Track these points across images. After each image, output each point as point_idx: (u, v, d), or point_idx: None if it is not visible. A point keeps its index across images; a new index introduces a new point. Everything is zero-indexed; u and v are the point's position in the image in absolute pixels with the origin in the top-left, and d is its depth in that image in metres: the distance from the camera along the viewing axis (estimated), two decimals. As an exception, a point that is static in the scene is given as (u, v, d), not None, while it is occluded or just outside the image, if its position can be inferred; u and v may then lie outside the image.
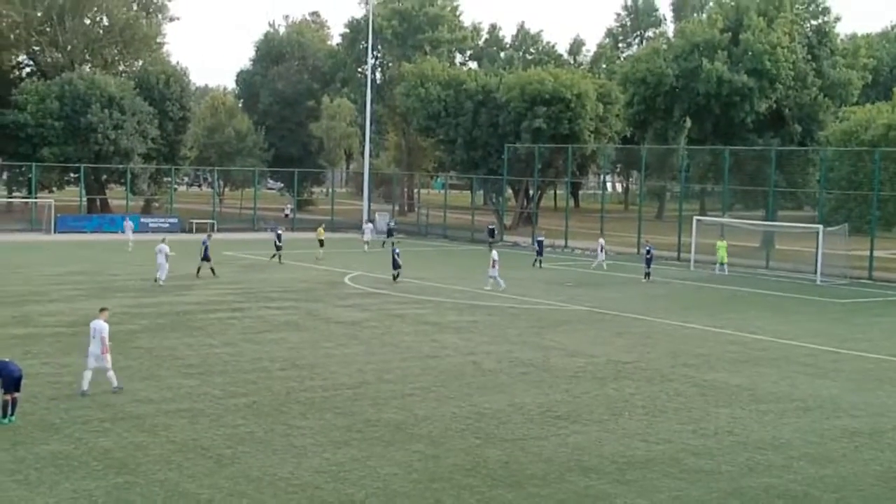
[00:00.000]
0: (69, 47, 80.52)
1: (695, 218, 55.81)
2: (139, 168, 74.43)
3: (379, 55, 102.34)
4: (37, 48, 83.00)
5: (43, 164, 70.11)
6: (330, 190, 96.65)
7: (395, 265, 42.29)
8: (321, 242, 53.00)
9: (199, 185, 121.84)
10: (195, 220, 70.41)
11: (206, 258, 41.88)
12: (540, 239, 52.88)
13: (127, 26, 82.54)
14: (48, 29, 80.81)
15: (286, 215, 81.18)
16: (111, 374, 20.26)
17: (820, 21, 69.82)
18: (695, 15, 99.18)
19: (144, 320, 29.91)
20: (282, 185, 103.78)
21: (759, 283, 46.36)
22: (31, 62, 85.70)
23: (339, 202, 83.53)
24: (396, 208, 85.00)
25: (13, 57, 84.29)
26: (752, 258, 53.92)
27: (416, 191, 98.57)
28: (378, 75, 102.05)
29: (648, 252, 47.06)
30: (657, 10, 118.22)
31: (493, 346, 27.15)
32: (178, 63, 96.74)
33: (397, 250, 43.41)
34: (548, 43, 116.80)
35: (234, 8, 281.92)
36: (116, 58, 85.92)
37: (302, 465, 15.95)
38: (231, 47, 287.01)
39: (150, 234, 63.26)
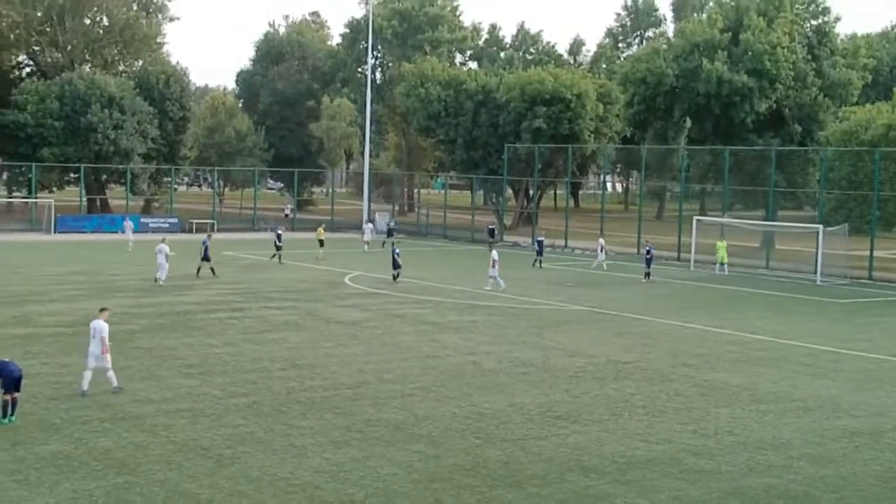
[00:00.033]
0: (69, 47, 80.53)
1: (695, 218, 55.79)
2: (139, 168, 74.42)
3: (379, 55, 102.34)
4: (37, 48, 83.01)
5: (43, 164, 70.10)
6: (330, 190, 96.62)
7: (395, 265, 42.29)
8: (321, 242, 53.00)
9: (199, 185, 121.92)
10: (195, 220, 70.38)
11: (206, 258, 41.89)
12: (540, 239, 52.86)
13: (127, 26, 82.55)
14: (48, 29, 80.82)
15: (286, 215, 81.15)
16: (111, 374, 20.27)
17: (820, 21, 69.78)
18: (695, 15, 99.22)
19: (144, 320, 29.91)
20: (282, 185, 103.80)
21: (759, 283, 46.35)
22: (31, 62, 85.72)
23: (339, 202, 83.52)
24: (396, 208, 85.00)
25: (13, 57, 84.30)
26: (752, 258, 53.88)
27: (416, 191, 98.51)
28: (378, 75, 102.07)
29: (648, 252, 47.05)
30: (657, 10, 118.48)
31: (493, 346, 27.14)
32: (178, 63, 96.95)
33: (397, 250, 43.40)
34: (548, 43, 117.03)
35: (234, 8, 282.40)
36: (116, 58, 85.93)
37: (302, 465, 15.95)
38: (231, 47, 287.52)
39: (150, 234, 63.23)
